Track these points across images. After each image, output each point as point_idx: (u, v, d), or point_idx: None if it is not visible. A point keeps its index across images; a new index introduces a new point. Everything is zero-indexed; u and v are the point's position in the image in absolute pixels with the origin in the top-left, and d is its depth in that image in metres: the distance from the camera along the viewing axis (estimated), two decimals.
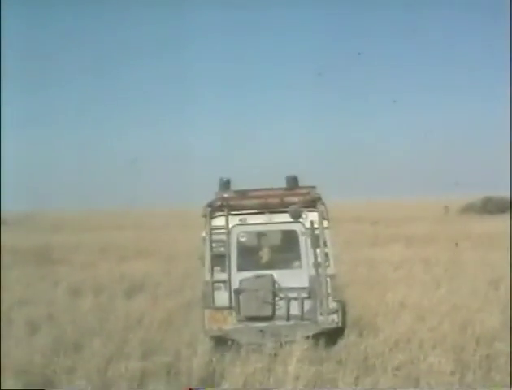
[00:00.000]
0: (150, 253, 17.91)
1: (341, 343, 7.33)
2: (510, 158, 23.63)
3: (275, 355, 6.80)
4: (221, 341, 7.25)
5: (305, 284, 7.29)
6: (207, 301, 7.28)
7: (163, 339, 7.75)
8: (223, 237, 7.38)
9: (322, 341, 7.07)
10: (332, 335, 7.36)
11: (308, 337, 6.94)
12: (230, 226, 7.42)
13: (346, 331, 7.64)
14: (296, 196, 7.57)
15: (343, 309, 7.63)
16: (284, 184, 7.83)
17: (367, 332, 7.82)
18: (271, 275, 7.34)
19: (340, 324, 7.26)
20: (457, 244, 17.66)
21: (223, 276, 7.33)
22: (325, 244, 7.25)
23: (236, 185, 7.85)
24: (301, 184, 7.79)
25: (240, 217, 7.47)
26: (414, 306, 8.98)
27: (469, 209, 40.30)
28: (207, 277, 7.35)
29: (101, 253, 18.48)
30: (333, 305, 7.21)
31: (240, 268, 7.42)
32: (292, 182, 7.75)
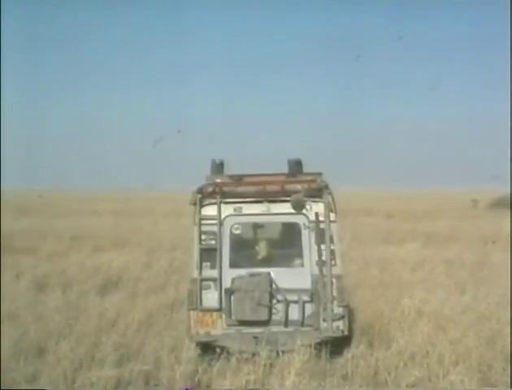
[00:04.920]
0: (129, 244, 17.89)
1: (348, 354, 7.31)
2: None
3: (271, 366, 6.81)
4: (209, 348, 7.24)
5: (307, 286, 7.29)
6: (194, 301, 7.28)
7: (142, 344, 7.74)
8: (215, 229, 7.37)
9: (325, 351, 7.06)
10: (337, 345, 7.35)
11: (309, 346, 6.94)
12: (223, 216, 7.41)
13: (354, 341, 7.63)
14: (299, 183, 7.54)
15: (350, 316, 7.60)
16: (285, 170, 7.80)
17: (378, 343, 7.82)
18: (268, 273, 7.35)
19: (346, 332, 7.26)
20: (494, 242, 17.63)
21: (213, 274, 7.33)
22: (331, 240, 7.24)
23: (232, 169, 7.82)
24: (306, 170, 7.76)
25: (235, 206, 7.47)
26: (433, 314, 8.96)
27: (500, 204, 40.26)
28: (194, 274, 7.34)
29: (72, 241, 18.47)
30: (339, 310, 7.21)
31: (233, 265, 7.42)
32: (296, 167, 7.73)
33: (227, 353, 7.04)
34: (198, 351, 7.19)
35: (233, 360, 6.88)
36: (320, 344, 7.09)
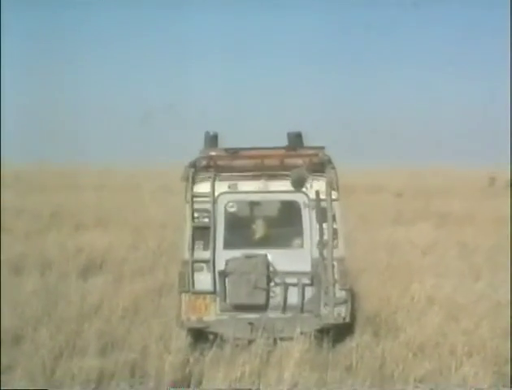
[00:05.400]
0: (114, 222, 17.67)
1: (352, 344, 7.35)
2: None
3: (268, 356, 6.82)
4: (201, 335, 7.27)
5: (307, 268, 7.33)
6: (185, 284, 7.31)
7: (127, 331, 7.75)
8: (208, 207, 7.39)
9: (327, 340, 7.08)
10: (340, 334, 7.38)
11: (309, 334, 6.97)
12: (217, 193, 7.43)
13: (358, 330, 7.67)
14: (300, 157, 7.57)
15: (353, 301, 7.62)
16: (285, 144, 7.78)
17: (385, 332, 7.86)
18: (265, 255, 7.38)
19: (347, 319, 7.30)
20: None
21: (206, 255, 7.36)
22: (333, 220, 7.25)
23: (227, 143, 7.80)
24: (307, 144, 7.74)
25: (230, 182, 7.48)
26: (445, 302, 9.00)
27: None
28: (186, 255, 7.36)
29: (51, 219, 18.36)
30: (341, 294, 7.24)
31: (228, 245, 7.44)
32: (296, 140, 7.72)
33: (221, 340, 7.07)
34: (189, 339, 7.19)
35: (227, 349, 6.90)
36: (321, 332, 7.11)
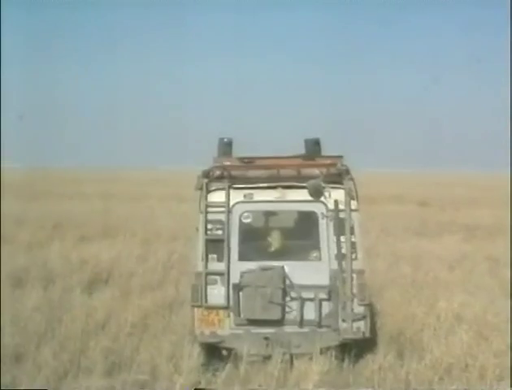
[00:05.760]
0: (121, 233, 17.40)
1: (374, 365, 7.32)
2: None
3: (285, 377, 6.86)
4: (214, 353, 7.35)
5: (325, 282, 7.42)
6: (198, 297, 7.41)
7: (136, 350, 7.76)
8: (222, 217, 7.49)
9: (348, 361, 7.11)
10: (363, 354, 7.41)
11: (329, 354, 7.03)
12: (231, 203, 7.53)
13: (381, 350, 7.65)
14: (317, 167, 7.71)
15: (375, 318, 7.75)
16: (302, 151, 7.86)
17: (410, 353, 7.81)
18: (282, 267, 7.46)
19: (367, 334, 7.38)
20: None
21: (220, 267, 7.46)
22: (352, 232, 7.36)
23: (241, 150, 7.88)
24: (325, 151, 7.84)
25: (245, 192, 7.59)
26: (474, 321, 8.93)
27: None
28: (199, 267, 7.46)
29: (54, 229, 18.46)
30: (359, 309, 7.33)
31: (243, 257, 7.54)
32: (314, 147, 7.81)
33: (235, 358, 7.12)
34: (201, 359, 7.23)
35: (242, 369, 6.94)
36: (342, 351, 7.17)
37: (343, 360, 7.09)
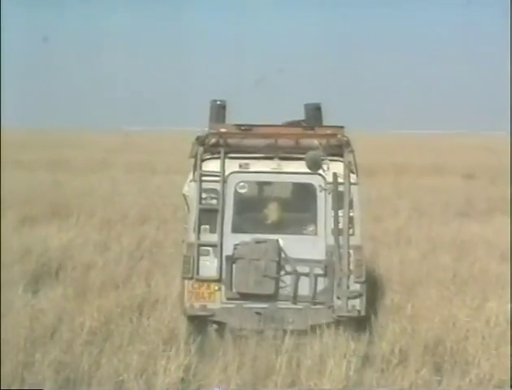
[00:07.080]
0: (75, 212, 14.66)
1: (405, 382, 6.69)
2: None
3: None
4: (204, 324, 7.53)
5: (321, 257, 7.60)
6: (189, 269, 7.61)
7: (95, 363, 6.79)
8: (217, 187, 7.68)
9: (371, 376, 6.69)
10: (389, 368, 6.92)
11: (346, 366, 6.68)
12: (227, 172, 7.71)
13: (414, 362, 6.93)
14: (317, 138, 7.86)
15: (402, 321, 7.75)
16: (301, 116, 8.10)
17: (450, 366, 7.10)
18: (277, 240, 7.62)
19: (363, 313, 7.56)
20: None
21: (213, 238, 7.66)
22: (350, 206, 7.57)
23: (234, 114, 8.03)
24: (328, 117, 8.07)
25: (241, 161, 7.77)
26: None
27: None
28: (191, 238, 7.68)
29: None
30: (355, 286, 7.53)
31: (237, 229, 7.72)
32: (314, 115, 8.03)
33: (224, 338, 7.31)
34: (181, 375, 6.58)
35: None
36: (363, 362, 6.97)
37: (364, 372, 6.75)
